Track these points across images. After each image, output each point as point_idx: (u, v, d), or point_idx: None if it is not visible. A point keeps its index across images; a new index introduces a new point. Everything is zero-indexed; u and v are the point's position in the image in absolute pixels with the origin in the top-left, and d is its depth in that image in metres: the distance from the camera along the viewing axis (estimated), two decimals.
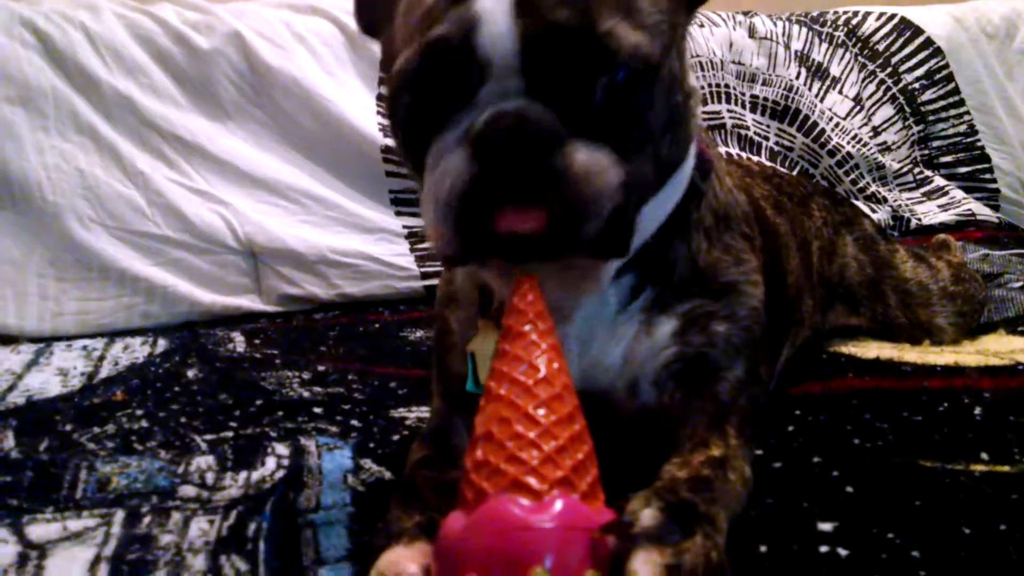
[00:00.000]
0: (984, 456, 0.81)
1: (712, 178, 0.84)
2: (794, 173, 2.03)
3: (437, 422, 0.86)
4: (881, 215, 2.02)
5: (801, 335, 1.16)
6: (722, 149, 2.03)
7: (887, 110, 2.20)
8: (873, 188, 2.09)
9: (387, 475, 0.90)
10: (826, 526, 0.70)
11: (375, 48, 1.81)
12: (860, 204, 2.00)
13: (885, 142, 2.17)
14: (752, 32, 2.19)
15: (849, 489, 0.77)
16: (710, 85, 2.10)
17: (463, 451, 0.60)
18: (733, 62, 2.13)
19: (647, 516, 0.56)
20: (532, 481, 0.54)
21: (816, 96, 2.14)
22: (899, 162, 2.17)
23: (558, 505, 0.53)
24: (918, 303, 1.29)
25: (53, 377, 1.29)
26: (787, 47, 2.18)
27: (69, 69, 1.63)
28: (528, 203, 0.61)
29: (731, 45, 2.15)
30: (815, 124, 2.09)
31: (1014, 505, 0.72)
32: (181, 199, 1.61)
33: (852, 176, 2.09)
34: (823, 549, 0.67)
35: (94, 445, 1.00)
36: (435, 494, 0.70)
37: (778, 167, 1.93)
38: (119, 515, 0.81)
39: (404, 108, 0.68)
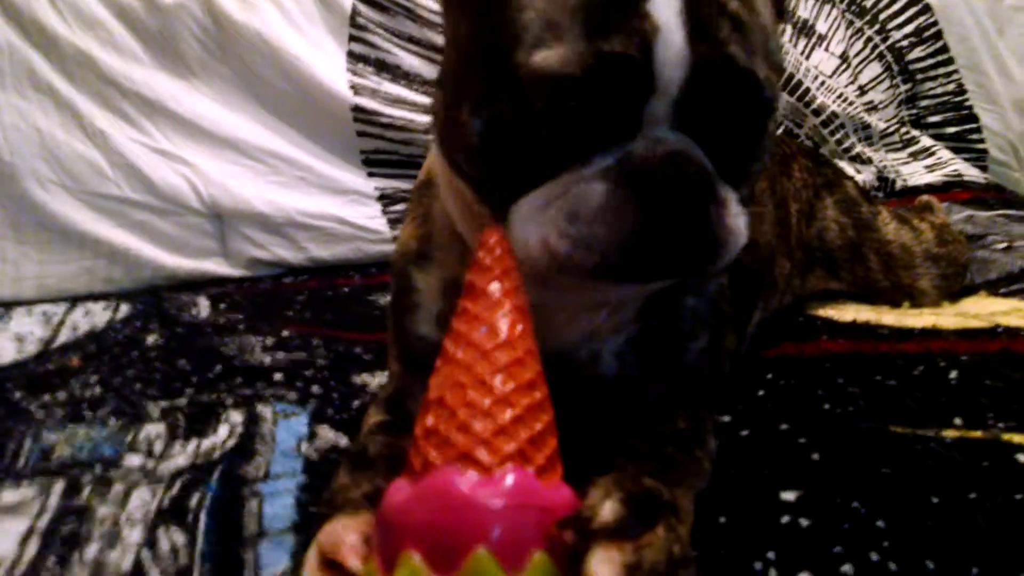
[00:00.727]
0: (957, 421, 0.78)
1: None
2: (778, 132, 1.99)
3: (395, 386, 0.83)
4: (866, 176, 1.98)
5: (775, 298, 1.13)
6: None
7: (874, 68, 2.14)
8: (859, 148, 2.05)
9: (343, 442, 0.87)
10: (789, 495, 0.68)
11: (346, 4, 1.76)
12: (845, 165, 1.96)
13: (872, 101, 2.12)
14: None
15: (815, 456, 0.74)
16: None
17: None
18: None
19: (607, 510, 0.52)
20: (482, 454, 0.51)
21: (802, 53, 2.09)
22: (886, 122, 2.13)
23: (509, 480, 0.50)
24: (900, 265, 1.27)
25: (8, 343, 1.25)
26: None
27: (26, 25, 1.56)
28: (672, 241, 0.58)
29: None
30: (800, 83, 2.04)
31: (985, 472, 0.69)
32: (143, 160, 1.55)
33: (837, 136, 2.04)
34: (784, 519, 0.64)
35: (42, 413, 0.97)
36: (387, 462, 0.68)
37: None
38: (59, 486, 0.78)
39: (551, 115, 0.58)
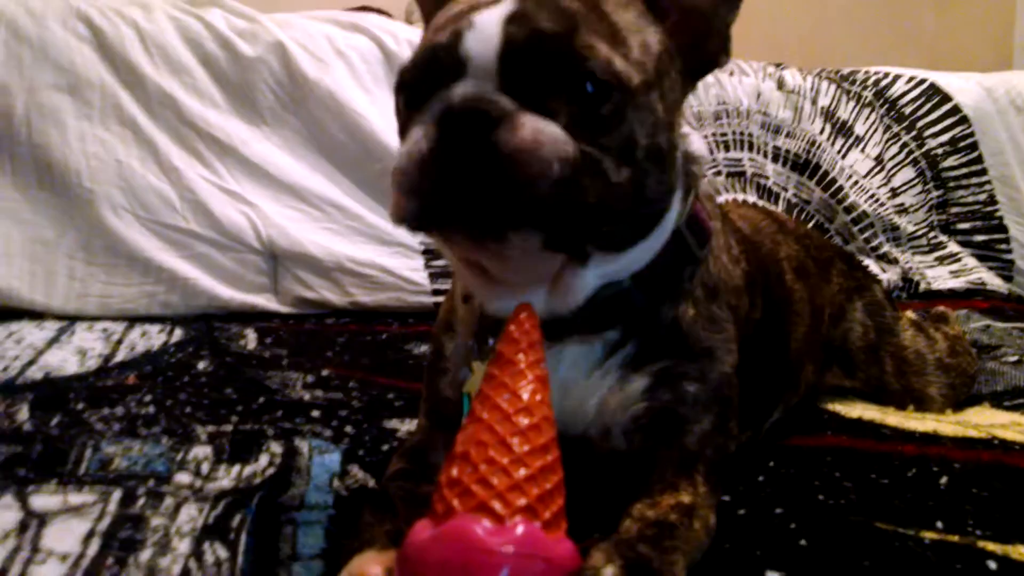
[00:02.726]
0: (939, 524, 0.84)
1: (708, 249, 0.87)
2: (810, 226, 2.07)
3: (419, 438, 0.91)
4: (891, 276, 2.04)
5: (795, 398, 1.18)
6: (740, 196, 2.07)
7: (908, 172, 2.22)
8: (886, 248, 2.12)
9: (371, 482, 0.94)
10: (774, 575, 0.74)
11: None
12: (872, 263, 2.03)
13: (903, 204, 2.20)
14: (781, 85, 2.23)
15: (803, 542, 0.80)
16: (734, 133, 2.14)
17: (439, 468, 0.64)
18: (759, 112, 2.17)
19: (609, 574, 0.60)
20: (497, 506, 0.58)
21: (838, 152, 2.18)
22: (915, 225, 2.19)
23: (519, 531, 0.57)
24: (912, 371, 1.30)
25: (72, 356, 1.36)
26: (814, 102, 2.21)
27: (118, 64, 1.71)
28: (480, 173, 0.64)
29: (759, 96, 2.19)
30: (834, 180, 2.13)
31: (956, 574, 0.75)
32: (211, 197, 1.68)
33: (866, 234, 2.12)
34: None
35: (102, 425, 1.06)
36: (405, 505, 0.75)
37: (804, 225, 1.97)
38: (116, 494, 0.86)
39: (400, 101, 0.75)
